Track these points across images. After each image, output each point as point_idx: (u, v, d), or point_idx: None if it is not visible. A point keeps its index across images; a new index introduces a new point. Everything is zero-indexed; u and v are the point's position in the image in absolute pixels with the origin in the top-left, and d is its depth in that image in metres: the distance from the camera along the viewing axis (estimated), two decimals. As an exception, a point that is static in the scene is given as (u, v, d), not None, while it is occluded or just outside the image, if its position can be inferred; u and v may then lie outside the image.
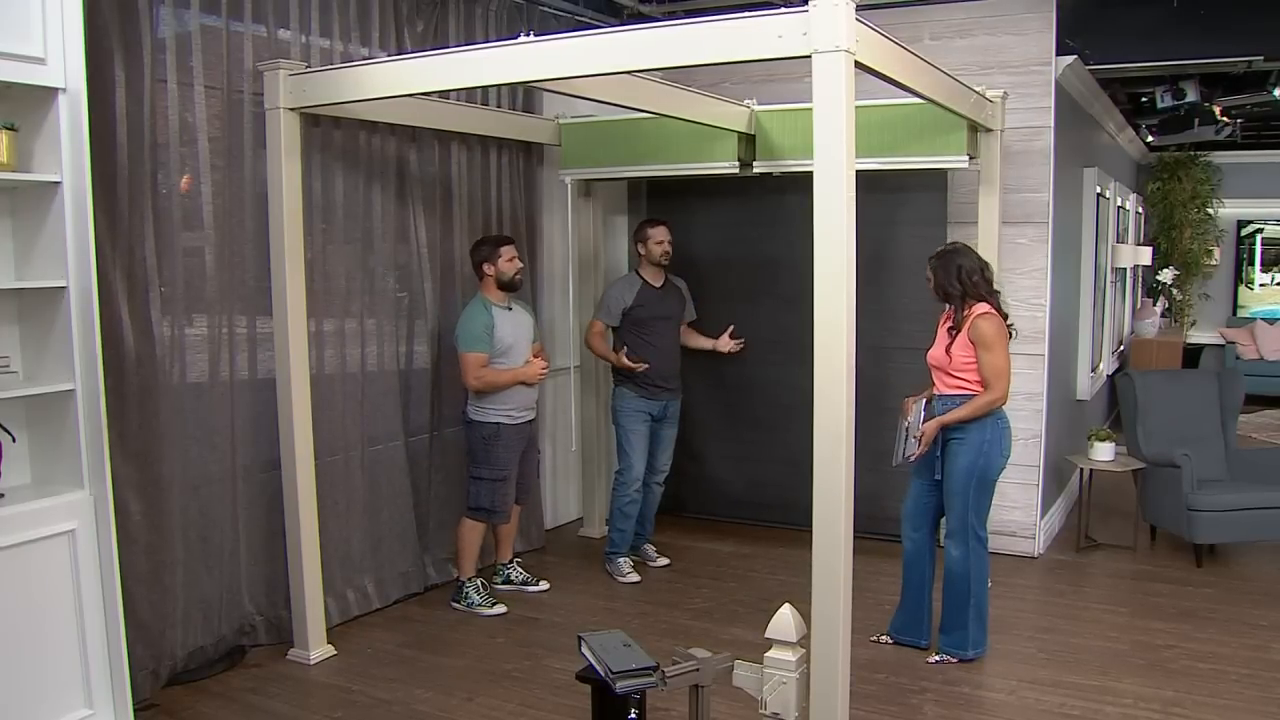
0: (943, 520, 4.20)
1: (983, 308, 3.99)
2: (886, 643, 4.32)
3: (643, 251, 5.22)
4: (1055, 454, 5.84)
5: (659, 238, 5.17)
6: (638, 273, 5.26)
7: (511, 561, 5.10)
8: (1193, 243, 11.12)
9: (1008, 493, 5.40)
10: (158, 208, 3.73)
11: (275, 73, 3.90)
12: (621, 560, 5.26)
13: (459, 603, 4.76)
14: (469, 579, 4.77)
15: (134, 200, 3.60)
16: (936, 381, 4.12)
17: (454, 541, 4.86)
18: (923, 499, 4.21)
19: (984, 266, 4.09)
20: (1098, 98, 6.69)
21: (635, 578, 5.20)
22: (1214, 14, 5.54)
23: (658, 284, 5.24)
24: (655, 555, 5.45)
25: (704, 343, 5.49)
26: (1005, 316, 4.07)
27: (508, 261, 4.68)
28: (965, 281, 4.00)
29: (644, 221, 5.37)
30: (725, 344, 5.43)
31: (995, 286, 4.11)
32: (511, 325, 4.70)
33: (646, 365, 5.15)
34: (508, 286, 4.71)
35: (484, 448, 4.67)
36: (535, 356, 4.80)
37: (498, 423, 4.66)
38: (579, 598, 4.99)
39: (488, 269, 4.66)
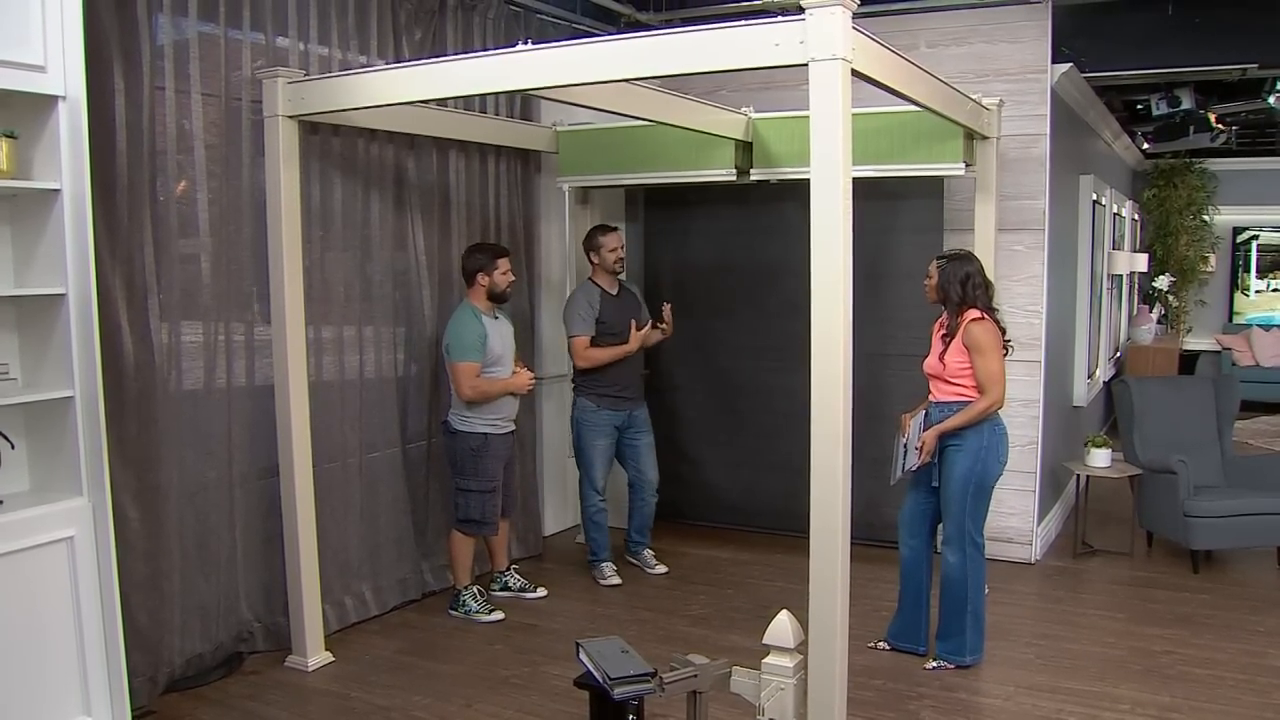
0: (939, 527, 4.21)
1: (975, 313, 4.00)
2: (884, 649, 4.32)
3: (596, 260, 5.17)
4: (1052, 460, 5.85)
5: (612, 245, 5.14)
6: (593, 281, 5.21)
7: (509, 568, 5.10)
8: (1188, 249, 11.16)
9: (1004, 499, 5.41)
10: (156, 215, 3.73)
11: (274, 80, 3.91)
12: (604, 565, 5.28)
13: (456, 610, 4.76)
14: (465, 587, 4.77)
15: (133, 207, 3.61)
16: (932, 389, 4.13)
17: (448, 552, 4.86)
18: (920, 506, 4.22)
19: (989, 283, 4.12)
20: (1094, 105, 6.72)
21: (616, 580, 5.22)
22: (1209, 22, 5.58)
23: (614, 292, 5.21)
24: (654, 562, 5.45)
25: (651, 336, 5.34)
26: (1003, 331, 4.08)
27: (502, 274, 4.67)
28: (968, 289, 4.02)
29: (594, 229, 5.29)
30: (655, 335, 5.33)
31: (995, 304, 4.12)
32: (500, 335, 4.70)
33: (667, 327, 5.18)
34: (499, 298, 4.70)
35: (472, 459, 4.64)
36: (519, 367, 4.79)
37: (485, 433, 4.65)
38: (576, 604, 5.00)
39: (482, 279, 4.65)
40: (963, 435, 4.03)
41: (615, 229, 5.25)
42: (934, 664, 4.14)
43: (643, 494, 5.39)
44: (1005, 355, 4.07)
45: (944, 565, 4.11)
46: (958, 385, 4.03)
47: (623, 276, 5.32)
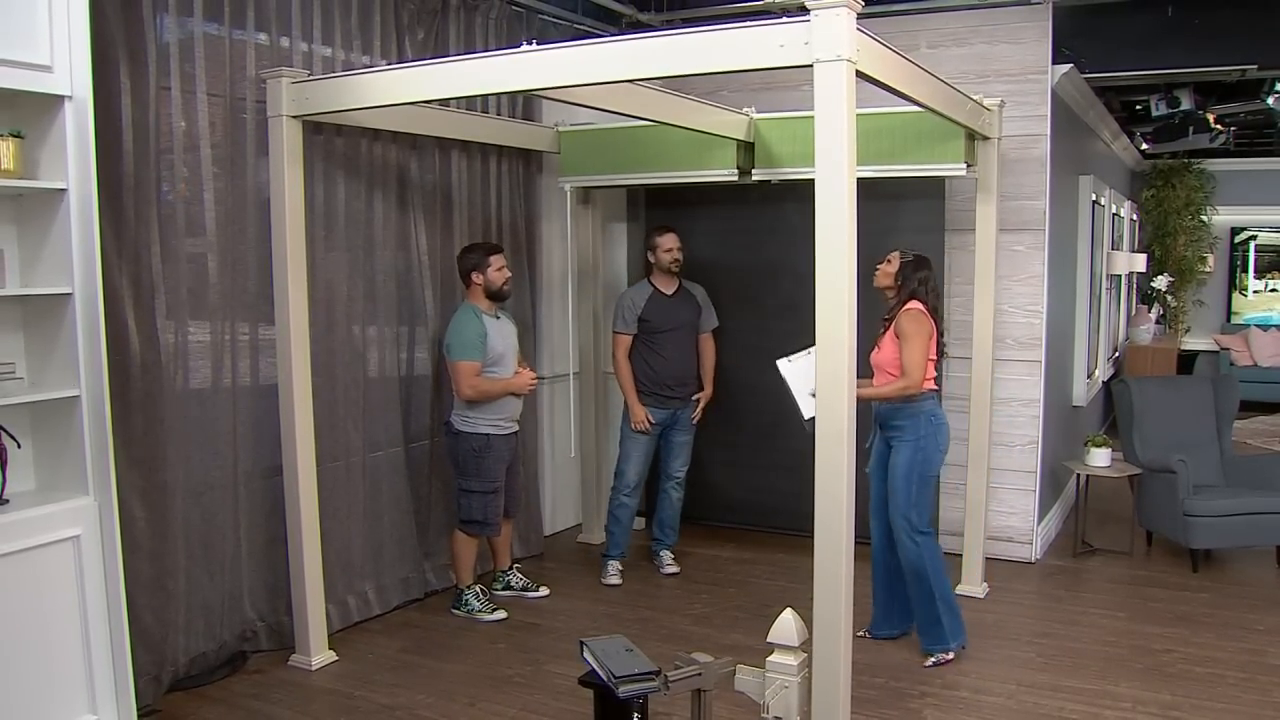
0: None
1: (914, 304, 4.13)
2: (866, 637, 4.36)
3: (652, 259, 5.22)
4: (1052, 460, 5.87)
5: (667, 245, 5.17)
6: (650, 280, 5.26)
7: (511, 567, 5.11)
8: (1187, 250, 11.19)
9: (1005, 498, 5.44)
10: (162, 214, 3.75)
11: (278, 80, 3.92)
12: (609, 563, 5.28)
13: (459, 609, 4.77)
14: (468, 586, 4.78)
15: (139, 207, 3.62)
16: (875, 380, 4.22)
17: (450, 552, 4.87)
18: (880, 495, 4.29)
19: (939, 293, 4.33)
20: (1093, 106, 6.74)
21: (616, 580, 5.23)
22: (1209, 23, 5.59)
23: (669, 291, 5.23)
24: (668, 564, 5.43)
25: (707, 367, 5.44)
26: (941, 334, 4.24)
27: (497, 271, 4.66)
28: (919, 288, 4.16)
29: (652, 228, 5.39)
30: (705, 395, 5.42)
31: (942, 314, 4.32)
32: (501, 334, 4.70)
33: (649, 427, 5.18)
34: (496, 296, 4.70)
35: (474, 460, 4.64)
36: (521, 368, 4.79)
37: (487, 434, 4.65)
38: (579, 603, 5.00)
39: (476, 278, 4.65)
40: (902, 427, 4.15)
41: (671, 229, 5.25)
42: (931, 660, 4.16)
43: (662, 484, 5.40)
44: (940, 355, 4.24)
45: (903, 559, 4.17)
46: (893, 375, 4.14)
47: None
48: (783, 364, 3.93)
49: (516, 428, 4.82)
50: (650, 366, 5.17)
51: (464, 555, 4.76)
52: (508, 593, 5.02)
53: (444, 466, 5.02)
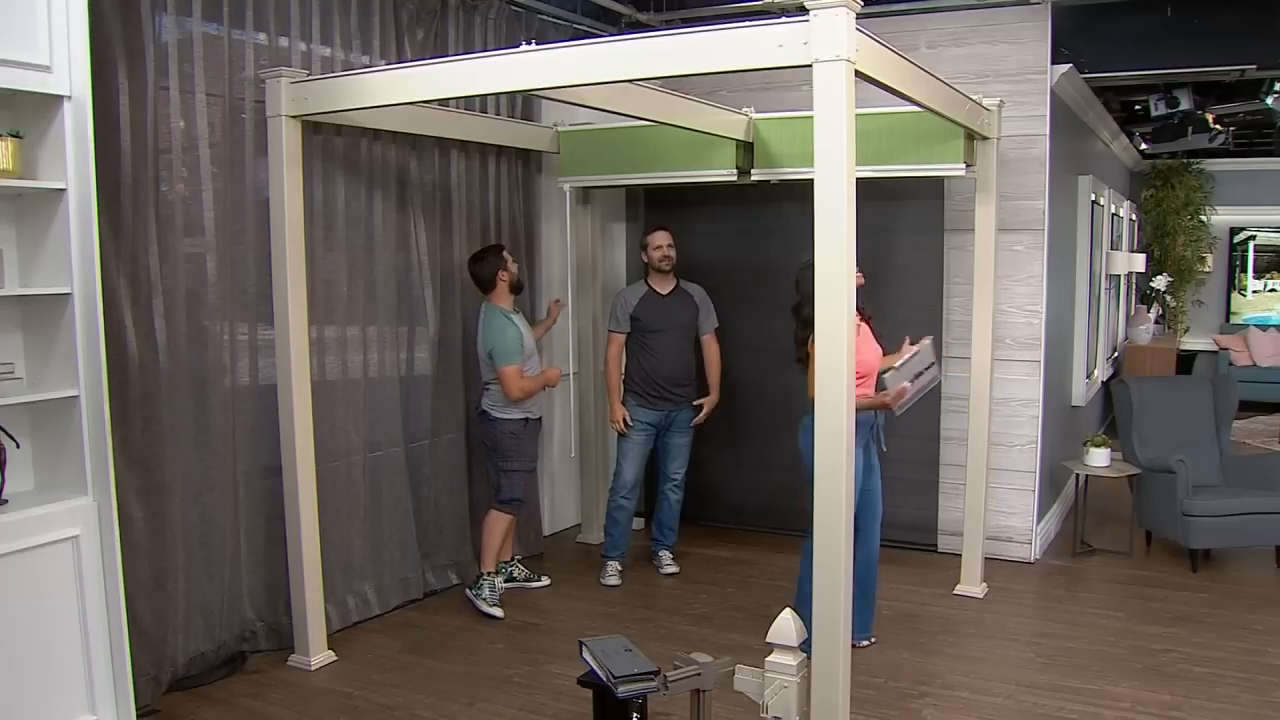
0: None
1: None
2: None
3: (645, 259, 5.23)
4: (1051, 460, 5.87)
5: (657, 243, 5.17)
6: (646, 280, 5.26)
7: (513, 559, 5.17)
8: (1186, 250, 11.19)
9: (1004, 498, 5.44)
10: (160, 215, 3.74)
11: (277, 80, 3.92)
12: (608, 564, 5.29)
13: (473, 592, 4.80)
14: (489, 573, 4.83)
15: (138, 207, 3.62)
16: (867, 387, 4.05)
17: (479, 536, 4.93)
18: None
19: None
20: (1092, 106, 6.74)
21: (614, 581, 5.23)
22: (1208, 23, 5.59)
23: (664, 291, 5.22)
24: (667, 564, 5.43)
25: (711, 370, 5.42)
26: None
27: (514, 263, 4.85)
28: None
29: (647, 228, 5.40)
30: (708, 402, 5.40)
31: None
32: (526, 331, 4.83)
33: (626, 429, 5.20)
34: (518, 287, 4.86)
35: (514, 442, 4.80)
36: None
37: (524, 418, 4.84)
38: (578, 603, 5.01)
39: (503, 276, 4.76)
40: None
41: (663, 227, 5.25)
42: (865, 643, 4.25)
43: (660, 486, 5.41)
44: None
45: (871, 554, 4.20)
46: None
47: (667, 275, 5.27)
48: (889, 376, 3.88)
49: (541, 413, 5.01)
50: (643, 366, 5.19)
51: (497, 535, 4.84)
52: (510, 584, 5.07)
53: (444, 466, 5.04)
